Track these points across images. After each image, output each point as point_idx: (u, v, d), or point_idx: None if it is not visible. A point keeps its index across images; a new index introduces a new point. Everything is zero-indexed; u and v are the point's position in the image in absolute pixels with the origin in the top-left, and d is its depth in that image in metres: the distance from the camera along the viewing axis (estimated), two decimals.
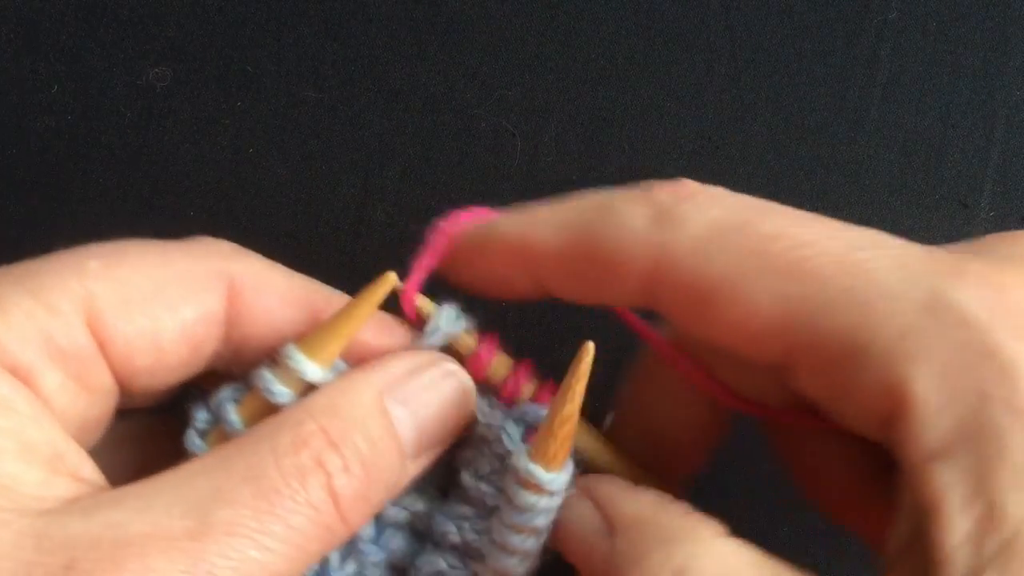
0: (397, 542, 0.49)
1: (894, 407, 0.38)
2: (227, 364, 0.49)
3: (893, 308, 0.38)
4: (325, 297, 0.49)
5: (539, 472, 0.44)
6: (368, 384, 0.45)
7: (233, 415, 0.46)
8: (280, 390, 0.45)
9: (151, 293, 0.45)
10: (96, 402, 0.45)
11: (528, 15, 0.65)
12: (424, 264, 0.48)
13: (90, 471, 0.42)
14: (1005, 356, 0.37)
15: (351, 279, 0.50)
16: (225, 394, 0.47)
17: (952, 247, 0.43)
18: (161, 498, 0.39)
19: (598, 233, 0.45)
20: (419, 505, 0.49)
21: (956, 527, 0.36)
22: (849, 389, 0.40)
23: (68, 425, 0.44)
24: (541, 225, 0.46)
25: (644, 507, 0.44)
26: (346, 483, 0.42)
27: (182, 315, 0.45)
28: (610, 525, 0.44)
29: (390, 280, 0.46)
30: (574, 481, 0.47)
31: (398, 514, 0.49)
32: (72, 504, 0.39)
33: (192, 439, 0.46)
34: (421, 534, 0.50)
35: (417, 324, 0.48)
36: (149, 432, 0.50)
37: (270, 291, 0.48)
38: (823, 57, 0.64)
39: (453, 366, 0.48)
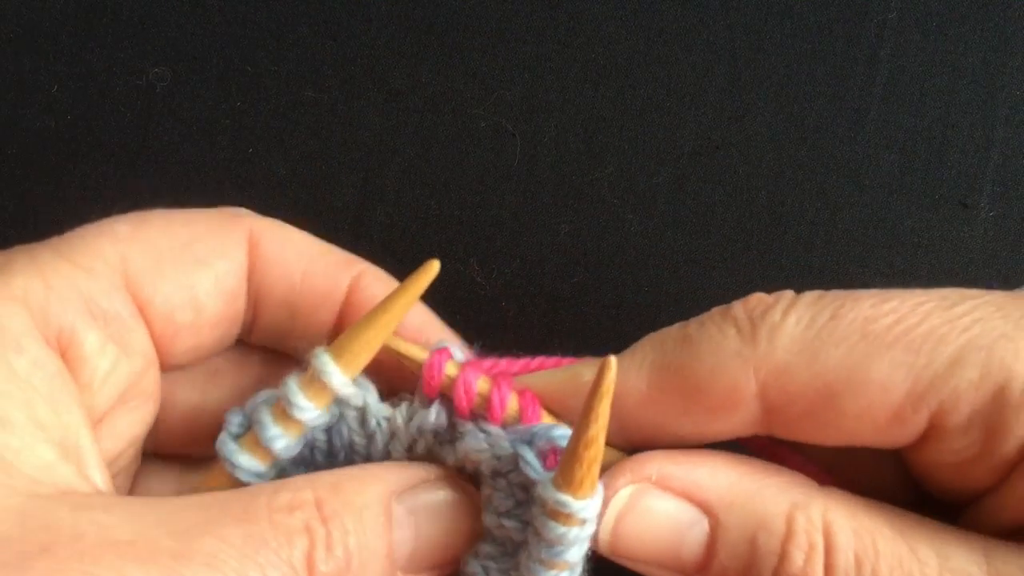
0: None
1: None
2: (249, 328, 0.50)
3: (1017, 345, 0.40)
4: (339, 254, 0.50)
5: (569, 500, 0.40)
6: (378, 478, 0.44)
7: (267, 416, 0.45)
8: (304, 404, 0.45)
9: (182, 250, 0.47)
10: (136, 366, 0.46)
11: (528, 15, 0.65)
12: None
13: (96, 471, 0.42)
14: None
15: None
16: (261, 397, 0.47)
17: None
18: (152, 515, 0.40)
19: (690, 365, 0.42)
20: None
21: None
22: (1002, 431, 0.40)
23: (112, 389, 0.45)
24: (622, 374, 0.43)
25: (740, 477, 0.42)
26: (324, 559, 0.41)
27: (215, 268, 0.47)
28: (704, 507, 0.42)
29: (432, 269, 0.44)
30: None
31: None
32: (66, 496, 0.40)
33: (225, 442, 0.46)
34: None
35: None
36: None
37: (287, 244, 0.49)
38: (823, 57, 0.64)
39: (471, 488, 0.45)
